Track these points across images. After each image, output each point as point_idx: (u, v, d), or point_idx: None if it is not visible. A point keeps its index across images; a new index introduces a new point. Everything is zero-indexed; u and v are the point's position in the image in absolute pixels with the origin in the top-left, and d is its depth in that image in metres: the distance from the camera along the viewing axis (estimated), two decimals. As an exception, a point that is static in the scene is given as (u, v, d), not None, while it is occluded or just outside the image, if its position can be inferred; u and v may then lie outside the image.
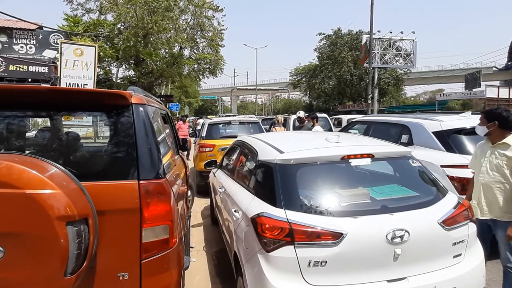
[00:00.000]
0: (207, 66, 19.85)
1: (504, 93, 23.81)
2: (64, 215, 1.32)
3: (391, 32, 23.85)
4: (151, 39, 16.49)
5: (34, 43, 11.99)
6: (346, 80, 30.82)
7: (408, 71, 30.63)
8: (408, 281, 1.84)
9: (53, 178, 1.38)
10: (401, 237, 1.82)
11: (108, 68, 17.72)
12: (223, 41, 19.08)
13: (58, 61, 9.11)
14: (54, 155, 1.90)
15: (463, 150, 3.45)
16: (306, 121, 6.92)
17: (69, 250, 1.33)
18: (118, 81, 18.14)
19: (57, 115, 1.95)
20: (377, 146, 2.49)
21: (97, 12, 16.17)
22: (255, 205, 2.14)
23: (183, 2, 16.62)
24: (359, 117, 8.29)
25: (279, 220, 1.87)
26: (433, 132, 3.76)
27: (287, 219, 1.86)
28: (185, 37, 17.14)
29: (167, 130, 3.07)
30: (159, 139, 2.06)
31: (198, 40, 18.63)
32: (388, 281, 1.83)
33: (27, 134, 2.22)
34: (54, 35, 12.21)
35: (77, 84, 8.79)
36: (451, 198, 2.17)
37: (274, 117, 9.77)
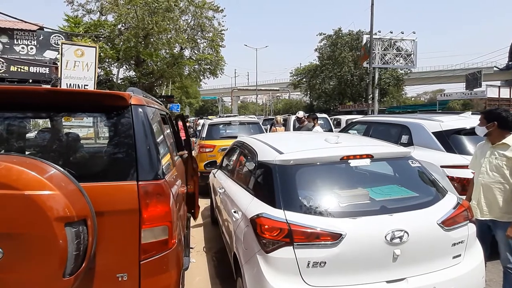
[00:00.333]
0: (208, 67, 19.85)
1: (505, 93, 23.75)
2: (63, 216, 1.32)
3: (391, 32, 23.87)
4: (152, 39, 16.50)
5: (35, 44, 12.01)
6: (346, 80, 30.79)
7: (409, 71, 30.58)
8: (408, 282, 1.84)
9: (52, 179, 1.38)
10: (400, 237, 1.82)
11: (108, 69, 17.74)
12: (223, 42, 19.10)
13: (59, 62, 9.12)
14: (54, 156, 1.90)
15: (463, 151, 3.45)
16: (306, 122, 6.91)
17: (68, 251, 1.33)
18: (119, 81, 18.16)
19: (56, 116, 1.96)
20: (377, 146, 2.49)
21: (98, 13, 16.21)
22: (254, 206, 2.14)
23: (183, 2, 16.63)
24: (358, 117, 8.28)
25: (278, 221, 1.87)
26: (433, 133, 3.76)
27: (286, 220, 1.86)
28: (186, 37, 17.15)
29: (167, 131, 3.08)
30: (158, 140, 2.07)
31: (198, 40, 18.63)
32: (388, 282, 1.83)
33: (27, 135, 2.23)
34: (55, 36, 12.24)
35: (78, 85, 8.79)
36: (451, 199, 2.17)
37: (274, 117, 9.77)
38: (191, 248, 3.72)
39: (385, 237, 1.80)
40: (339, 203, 1.98)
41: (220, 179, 3.62)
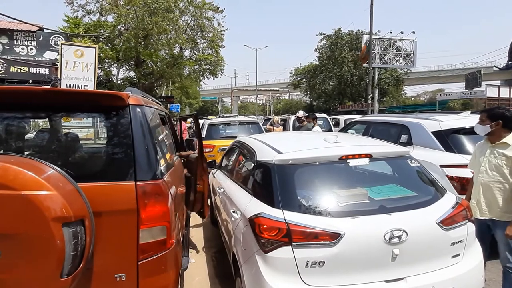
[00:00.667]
0: (208, 67, 19.89)
1: (504, 92, 23.71)
2: (60, 216, 1.32)
3: (391, 32, 23.81)
4: (152, 40, 16.53)
5: (35, 44, 12.04)
6: (346, 80, 30.79)
7: (408, 71, 30.57)
8: (407, 282, 1.84)
9: (49, 179, 1.37)
10: (399, 237, 1.81)
11: (108, 69, 17.78)
12: (223, 42, 19.13)
13: (58, 62, 9.12)
14: (52, 156, 1.90)
15: (462, 150, 3.45)
16: (306, 122, 6.91)
17: (65, 251, 1.32)
18: (119, 82, 18.19)
19: (54, 116, 1.95)
20: (375, 146, 2.49)
21: (98, 13, 16.24)
22: (253, 206, 2.14)
23: (183, 3, 16.66)
24: (357, 117, 8.28)
25: (276, 221, 1.87)
26: (432, 132, 3.75)
27: (284, 219, 1.86)
28: (186, 38, 17.17)
29: (166, 131, 3.07)
30: (157, 140, 2.06)
31: (198, 41, 18.66)
32: (386, 281, 1.83)
33: (26, 136, 2.22)
34: (55, 37, 12.26)
35: (78, 85, 8.79)
36: (450, 198, 2.17)
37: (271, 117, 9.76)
38: (191, 248, 3.72)
39: (384, 236, 1.80)
40: (338, 202, 1.98)
41: (219, 179, 3.62)
